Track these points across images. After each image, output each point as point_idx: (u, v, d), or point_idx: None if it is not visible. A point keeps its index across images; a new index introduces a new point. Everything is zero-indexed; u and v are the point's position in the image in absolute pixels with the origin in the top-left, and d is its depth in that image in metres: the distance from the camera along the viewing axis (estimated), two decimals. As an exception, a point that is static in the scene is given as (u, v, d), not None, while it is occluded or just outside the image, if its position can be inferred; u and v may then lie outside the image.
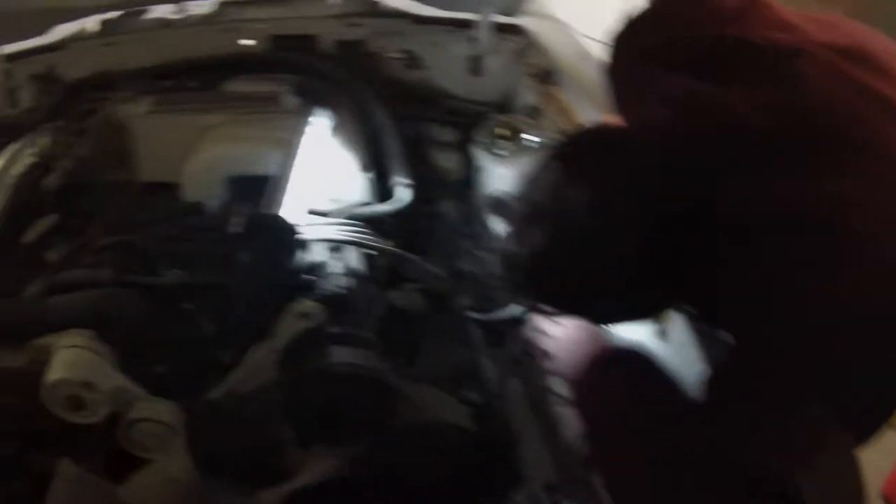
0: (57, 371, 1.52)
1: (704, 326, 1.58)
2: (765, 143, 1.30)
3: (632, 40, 1.57)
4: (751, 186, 1.29)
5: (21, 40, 2.68)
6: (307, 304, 1.65)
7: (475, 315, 2.28)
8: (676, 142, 1.33)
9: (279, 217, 1.83)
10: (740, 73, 1.37)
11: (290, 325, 1.65)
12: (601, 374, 1.62)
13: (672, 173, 1.32)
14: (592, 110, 2.34)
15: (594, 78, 2.49)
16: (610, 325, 1.65)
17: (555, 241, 1.37)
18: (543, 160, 1.45)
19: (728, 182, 1.30)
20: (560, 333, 1.85)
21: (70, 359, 1.54)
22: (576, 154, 1.44)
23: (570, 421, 1.98)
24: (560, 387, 2.06)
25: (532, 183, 1.46)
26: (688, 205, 1.32)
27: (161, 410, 1.63)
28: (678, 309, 1.60)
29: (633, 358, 1.66)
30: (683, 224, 1.32)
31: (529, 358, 2.17)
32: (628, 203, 1.32)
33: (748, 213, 1.30)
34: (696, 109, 1.35)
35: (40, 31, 2.68)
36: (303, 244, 1.85)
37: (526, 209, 1.45)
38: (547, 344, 1.90)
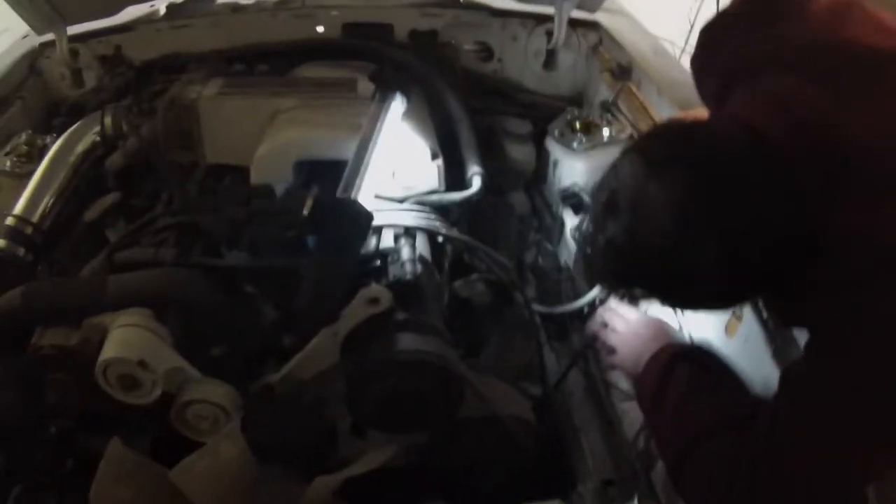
0: (111, 349, 1.50)
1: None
2: (876, 165, 1.20)
3: (728, 33, 1.53)
4: (864, 210, 1.20)
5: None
6: (376, 290, 1.61)
7: (540, 308, 2.24)
8: (779, 145, 1.24)
9: (353, 201, 1.77)
10: (843, 80, 1.28)
11: (357, 311, 1.60)
12: (666, 371, 1.60)
13: (770, 183, 1.23)
14: (667, 106, 2.30)
15: (669, 74, 2.46)
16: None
17: (632, 234, 1.30)
18: (628, 150, 1.38)
19: (836, 203, 1.21)
20: (625, 328, 1.83)
21: (126, 337, 1.53)
22: (661, 149, 1.35)
23: (631, 416, 1.96)
24: (622, 382, 2.04)
25: (613, 172, 1.38)
26: (786, 221, 1.23)
27: (217, 393, 1.61)
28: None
29: (698, 354, 1.67)
30: (776, 241, 1.24)
31: (592, 352, 2.12)
32: (715, 209, 1.23)
33: (861, 238, 1.20)
34: (809, 116, 1.25)
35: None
36: (374, 229, 1.81)
37: (605, 198, 1.37)
38: (611, 338, 1.86)
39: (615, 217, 1.32)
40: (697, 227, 1.23)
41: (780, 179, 1.22)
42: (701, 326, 1.87)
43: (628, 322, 1.86)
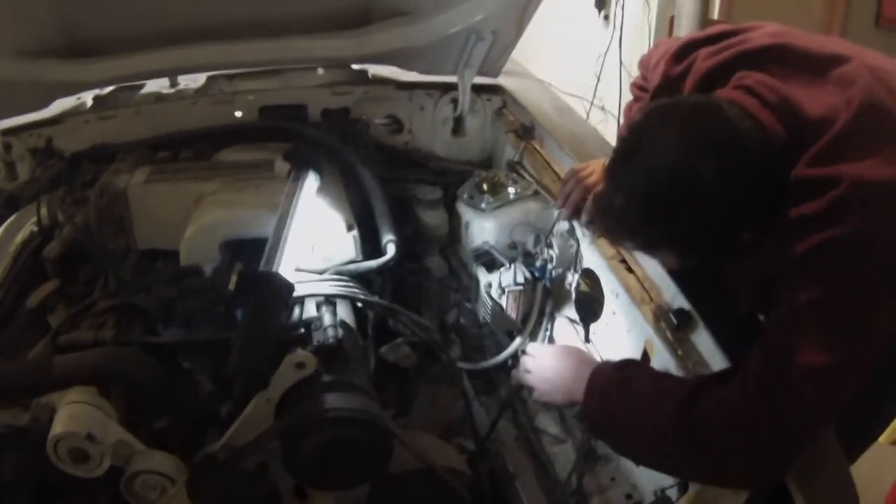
0: (61, 425, 1.56)
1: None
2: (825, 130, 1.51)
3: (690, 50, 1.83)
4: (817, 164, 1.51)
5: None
6: (301, 354, 1.70)
7: (465, 364, 2.36)
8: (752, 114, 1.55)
9: (274, 273, 1.89)
10: (793, 74, 1.62)
11: (285, 375, 1.70)
12: (619, 377, 1.76)
13: (749, 124, 1.53)
14: (568, 159, 2.48)
15: (570, 129, 2.64)
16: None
17: (647, 173, 1.55)
18: (644, 110, 1.65)
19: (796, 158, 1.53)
20: (545, 362, 1.99)
21: (73, 413, 1.58)
22: (660, 106, 1.63)
23: (562, 459, 2.09)
24: (551, 426, 2.17)
25: (631, 127, 1.65)
26: (761, 149, 1.52)
27: (162, 463, 1.67)
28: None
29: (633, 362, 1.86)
30: (757, 162, 1.51)
31: (519, 401, 2.23)
32: (708, 137, 1.51)
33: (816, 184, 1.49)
34: (773, 97, 1.57)
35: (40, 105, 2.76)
36: (296, 299, 1.92)
37: (620, 149, 1.65)
38: (532, 379, 2.01)
39: (632, 164, 1.58)
40: (697, 151, 1.50)
41: (757, 128, 1.53)
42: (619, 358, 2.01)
43: (545, 356, 2.01)
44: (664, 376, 1.76)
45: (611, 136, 3.03)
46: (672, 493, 1.78)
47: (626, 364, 1.84)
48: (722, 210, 1.51)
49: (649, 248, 1.71)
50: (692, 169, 1.48)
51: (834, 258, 1.45)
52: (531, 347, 2.12)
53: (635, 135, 1.61)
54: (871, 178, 1.45)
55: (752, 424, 1.49)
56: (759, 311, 1.73)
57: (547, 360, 2.00)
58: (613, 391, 1.74)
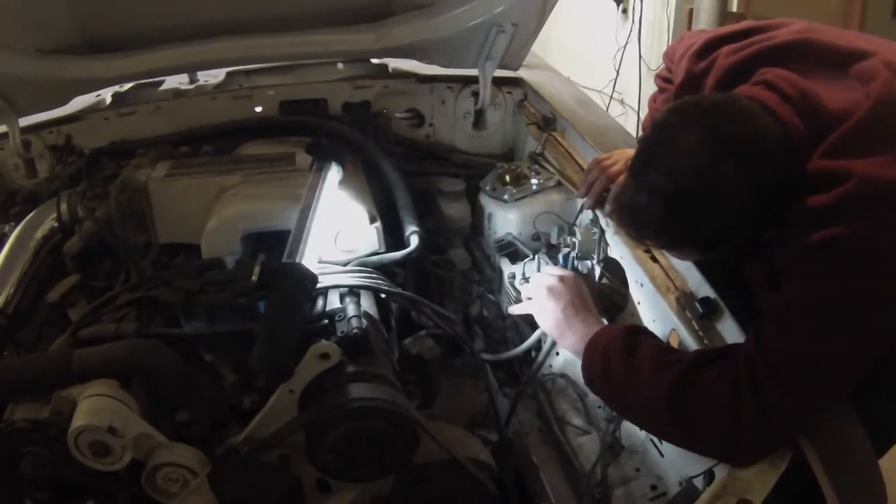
0: (82, 418, 1.55)
1: None
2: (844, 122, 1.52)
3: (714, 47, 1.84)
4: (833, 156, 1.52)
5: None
6: (325, 345, 1.69)
7: (488, 356, 2.34)
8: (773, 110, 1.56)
9: (298, 264, 1.88)
10: (813, 69, 1.63)
11: (309, 366, 1.68)
12: (624, 344, 1.78)
13: (769, 123, 1.54)
14: (591, 150, 2.47)
15: (591, 121, 2.63)
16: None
17: (670, 174, 1.56)
18: (666, 109, 1.67)
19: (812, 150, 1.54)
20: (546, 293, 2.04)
21: (94, 406, 1.58)
22: (684, 106, 1.64)
23: (587, 449, 2.07)
24: (575, 418, 2.17)
25: (654, 125, 1.67)
26: (782, 151, 1.52)
27: (184, 455, 1.66)
28: None
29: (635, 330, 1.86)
30: (776, 166, 1.52)
31: (542, 390, 2.22)
32: (729, 141, 1.52)
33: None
34: (793, 91, 1.57)
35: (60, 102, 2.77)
36: (320, 291, 1.91)
37: (643, 153, 1.66)
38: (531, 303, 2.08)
39: (654, 164, 1.59)
40: (717, 151, 1.51)
41: (777, 123, 1.53)
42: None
43: (551, 288, 2.06)
44: (665, 350, 1.79)
45: (631, 130, 3.00)
46: (698, 483, 1.75)
47: (634, 331, 1.85)
48: (744, 209, 1.54)
49: (671, 247, 1.76)
50: (713, 169, 1.50)
51: (837, 257, 1.46)
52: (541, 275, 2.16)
53: (657, 134, 1.63)
54: (881, 177, 1.45)
55: (739, 409, 1.53)
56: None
57: (548, 294, 2.05)
58: (616, 356, 1.77)
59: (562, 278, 2.07)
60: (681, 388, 1.60)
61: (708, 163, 1.50)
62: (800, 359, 1.49)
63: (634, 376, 1.71)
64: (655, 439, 2.02)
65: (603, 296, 2.25)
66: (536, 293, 2.09)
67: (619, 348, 1.77)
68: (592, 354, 1.84)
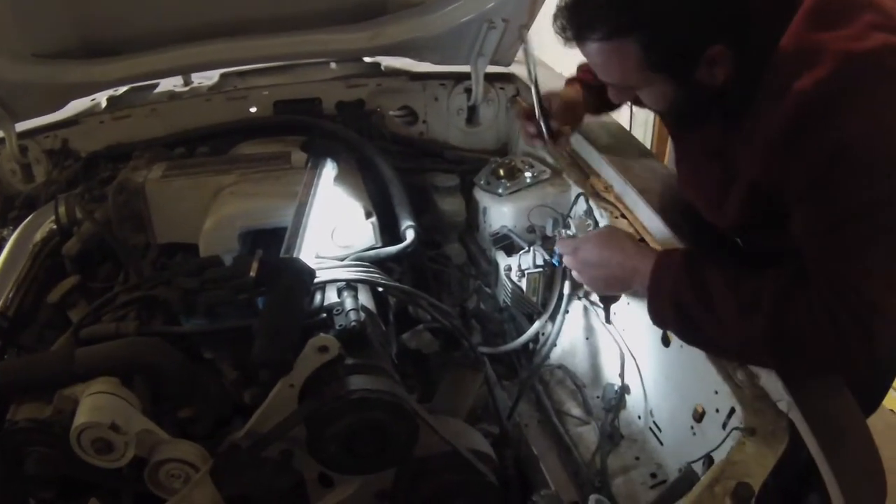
0: (84, 415, 1.56)
1: None
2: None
3: None
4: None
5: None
6: (324, 338, 1.69)
7: (486, 349, 2.35)
8: None
9: (296, 259, 1.90)
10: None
11: (308, 359, 1.69)
12: (689, 273, 1.71)
13: None
14: (584, 143, 2.50)
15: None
16: None
17: None
18: None
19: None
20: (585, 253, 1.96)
21: (97, 403, 1.58)
22: None
23: (586, 439, 2.09)
24: (574, 408, 2.19)
25: None
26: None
27: (187, 451, 1.67)
28: None
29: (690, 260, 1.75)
30: None
31: (541, 383, 2.24)
32: None
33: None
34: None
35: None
36: (317, 285, 1.92)
37: None
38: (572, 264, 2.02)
39: None
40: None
41: None
42: (639, 338, 2.05)
43: (588, 244, 1.96)
44: (738, 280, 1.65)
45: (623, 121, 3.00)
46: (697, 468, 1.76)
47: (692, 263, 1.73)
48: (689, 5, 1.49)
49: (613, 37, 1.59)
50: None
51: (851, 168, 1.45)
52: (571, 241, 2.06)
53: None
54: (858, 51, 1.44)
55: (838, 333, 1.48)
56: (746, 222, 1.74)
57: (590, 250, 1.95)
58: (689, 298, 1.68)
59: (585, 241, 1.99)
60: (777, 333, 1.55)
61: None
62: (873, 269, 1.47)
63: (718, 320, 1.64)
64: (654, 427, 2.04)
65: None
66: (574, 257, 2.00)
67: (687, 290, 1.69)
68: (658, 304, 1.76)
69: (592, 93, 2.25)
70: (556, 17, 1.65)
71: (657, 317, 1.78)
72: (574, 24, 1.63)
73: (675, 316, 1.72)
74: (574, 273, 2.02)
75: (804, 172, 1.49)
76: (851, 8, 1.49)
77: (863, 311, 1.46)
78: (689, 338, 1.77)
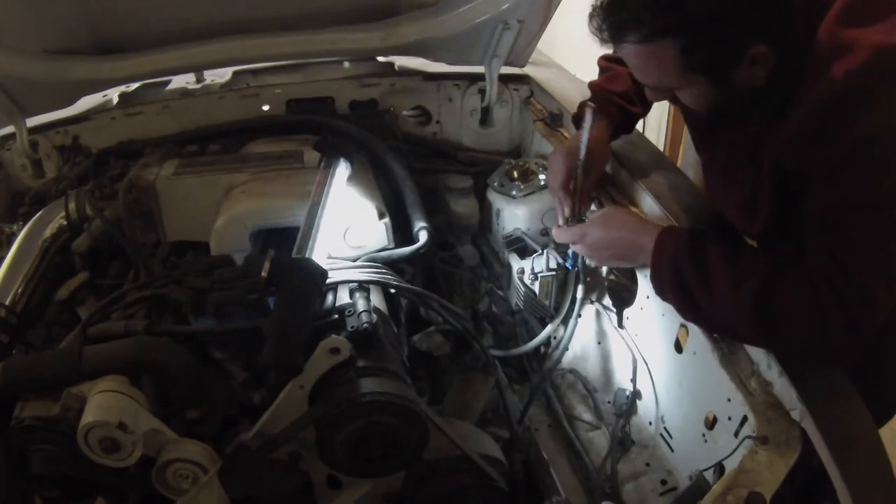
0: (92, 414, 1.55)
1: None
2: None
3: None
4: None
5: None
6: (335, 340, 1.68)
7: (497, 352, 2.33)
8: None
9: (308, 259, 1.88)
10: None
11: (320, 361, 1.68)
12: (690, 253, 1.71)
13: None
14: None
15: None
16: None
17: None
18: None
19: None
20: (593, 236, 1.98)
21: (104, 402, 1.57)
22: None
23: (596, 444, 2.08)
24: (585, 413, 2.17)
25: None
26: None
27: (195, 451, 1.66)
28: None
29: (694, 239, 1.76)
30: None
31: (552, 387, 2.23)
32: None
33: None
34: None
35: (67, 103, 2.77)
36: (329, 286, 1.90)
37: None
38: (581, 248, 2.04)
39: None
40: None
41: None
42: (652, 344, 2.03)
43: (594, 227, 1.97)
44: (736, 256, 1.66)
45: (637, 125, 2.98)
46: (709, 476, 1.75)
47: (696, 237, 1.75)
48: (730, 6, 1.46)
49: (652, 39, 1.55)
50: None
51: (872, 159, 1.44)
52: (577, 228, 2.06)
53: None
54: (891, 45, 1.42)
55: (822, 316, 1.49)
56: (775, 222, 1.71)
57: (597, 233, 1.97)
58: (688, 269, 1.69)
59: (591, 225, 2.00)
60: (762, 305, 1.55)
61: None
62: (870, 258, 1.47)
63: (712, 293, 1.65)
64: (665, 434, 2.02)
65: (611, 290, 2.25)
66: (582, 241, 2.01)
67: (686, 256, 1.70)
68: (660, 276, 1.77)
69: (621, 116, 2.26)
70: (591, 16, 1.61)
71: (658, 286, 1.80)
72: (611, 25, 1.58)
73: (674, 286, 1.73)
74: (587, 260, 2.06)
75: (827, 158, 1.48)
76: (884, 4, 1.48)
77: (849, 296, 1.46)
78: (687, 311, 1.77)
